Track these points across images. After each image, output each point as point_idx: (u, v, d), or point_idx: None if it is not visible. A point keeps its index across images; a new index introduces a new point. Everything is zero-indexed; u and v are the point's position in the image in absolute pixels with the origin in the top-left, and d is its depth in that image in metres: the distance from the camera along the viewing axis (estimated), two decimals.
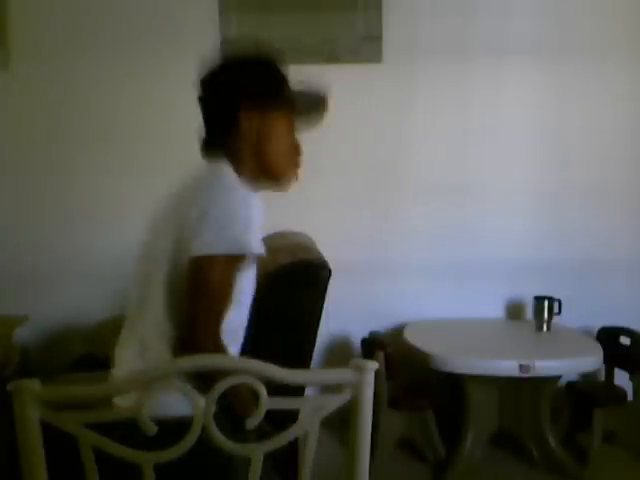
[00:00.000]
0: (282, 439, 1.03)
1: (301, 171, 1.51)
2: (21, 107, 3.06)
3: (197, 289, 1.28)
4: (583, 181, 3.06)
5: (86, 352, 2.77)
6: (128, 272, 3.26)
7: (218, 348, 1.26)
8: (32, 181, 3.07)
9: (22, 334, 2.87)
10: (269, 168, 1.46)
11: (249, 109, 1.44)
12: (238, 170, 1.44)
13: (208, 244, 1.27)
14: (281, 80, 1.49)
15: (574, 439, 2.77)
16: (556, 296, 2.86)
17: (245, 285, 1.40)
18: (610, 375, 2.87)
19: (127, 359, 1.41)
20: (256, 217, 1.36)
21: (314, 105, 1.52)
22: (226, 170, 1.45)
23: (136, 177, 3.04)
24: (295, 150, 1.49)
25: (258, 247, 1.35)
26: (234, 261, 1.31)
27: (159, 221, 1.49)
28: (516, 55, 3.01)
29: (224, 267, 1.29)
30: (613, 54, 3.01)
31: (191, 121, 3.16)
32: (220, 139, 1.54)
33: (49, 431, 0.97)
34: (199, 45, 3.01)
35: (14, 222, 3.08)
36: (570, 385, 2.88)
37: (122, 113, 3.03)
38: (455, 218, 3.06)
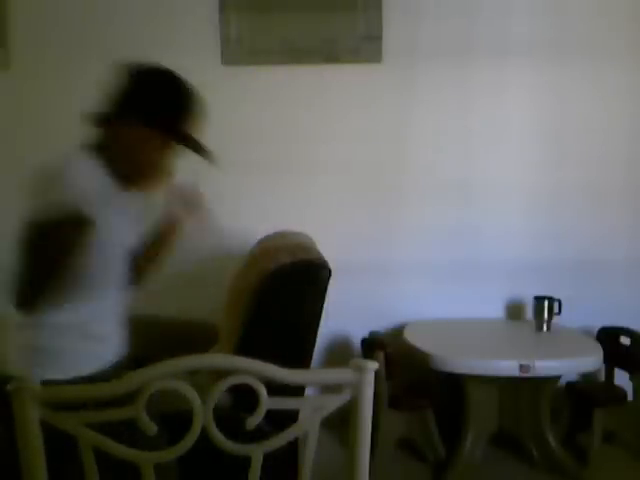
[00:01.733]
0: (282, 439, 1.03)
1: (152, 186, 1.63)
2: (21, 107, 3.06)
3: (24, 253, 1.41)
4: (583, 181, 3.06)
5: None
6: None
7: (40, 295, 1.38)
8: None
9: None
10: (130, 165, 1.57)
11: (141, 122, 1.56)
12: (100, 155, 1.56)
13: (33, 210, 1.40)
14: (184, 115, 1.62)
15: (574, 439, 2.77)
16: (556, 296, 2.86)
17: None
18: (610, 375, 2.87)
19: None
20: (83, 181, 1.45)
21: (195, 149, 1.63)
22: (77, 156, 1.60)
23: None
24: (157, 169, 1.61)
25: (83, 209, 1.42)
26: (61, 225, 1.41)
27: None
28: (516, 56, 3.01)
29: (59, 228, 1.41)
30: (613, 56, 3.01)
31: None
32: (105, 123, 1.65)
33: (49, 431, 0.97)
34: (199, 45, 3.02)
35: (14, 222, 3.07)
36: (570, 385, 2.88)
37: None
38: (455, 218, 3.07)
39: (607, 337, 2.83)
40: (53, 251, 1.37)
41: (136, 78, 1.68)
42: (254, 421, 0.99)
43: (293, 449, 1.11)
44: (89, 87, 3.02)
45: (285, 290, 1.85)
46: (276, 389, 1.01)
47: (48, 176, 1.47)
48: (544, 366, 2.48)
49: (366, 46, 2.99)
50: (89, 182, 1.45)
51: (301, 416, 1.05)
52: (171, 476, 1.17)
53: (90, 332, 1.59)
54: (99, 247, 1.50)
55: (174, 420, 0.98)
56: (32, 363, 1.51)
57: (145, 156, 1.57)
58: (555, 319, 2.86)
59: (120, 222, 1.57)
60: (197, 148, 1.63)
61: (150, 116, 1.56)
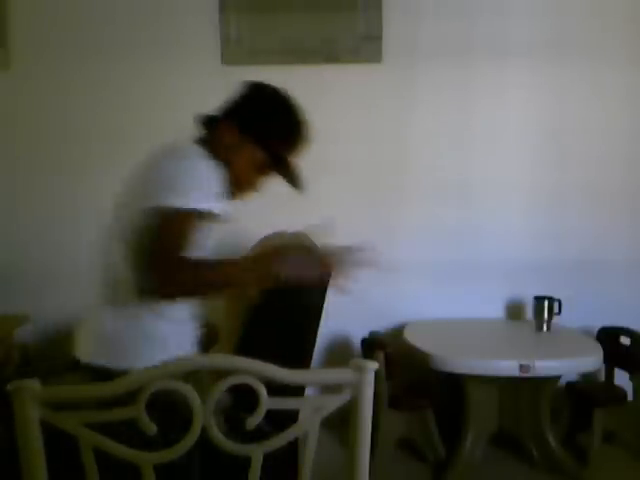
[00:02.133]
0: (282, 439, 1.03)
1: (243, 199, 1.64)
2: (21, 107, 3.06)
3: (156, 236, 1.35)
4: (583, 181, 3.06)
5: None
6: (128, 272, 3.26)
7: (186, 264, 1.34)
8: (32, 181, 3.07)
9: (22, 334, 2.87)
10: (229, 174, 1.55)
11: (248, 134, 1.56)
12: (209, 152, 1.52)
13: (168, 200, 1.35)
14: (292, 143, 1.60)
15: (574, 439, 2.77)
16: (556, 296, 2.86)
17: (199, 240, 1.45)
18: (610, 375, 2.87)
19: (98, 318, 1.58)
20: (213, 181, 1.44)
21: (288, 177, 1.62)
22: (194, 147, 1.53)
23: None
24: (251, 185, 1.62)
25: (216, 207, 1.44)
26: (190, 217, 1.38)
27: (128, 187, 1.57)
28: (516, 56, 3.01)
29: (182, 220, 1.36)
30: (612, 57, 3.02)
31: (191, 121, 3.16)
32: (215, 125, 1.64)
33: (49, 431, 0.97)
34: (199, 45, 3.03)
35: (14, 222, 3.08)
36: (570, 385, 2.88)
37: (122, 112, 3.03)
38: (455, 218, 3.07)
39: (607, 337, 2.83)
40: (182, 240, 1.36)
41: (257, 93, 1.71)
42: (254, 421, 0.99)
43: (293, 449, 1.11)
44: (89, 87, 3.04)
45: (285, 290, 1.85)
46: (276, 389, 1.01)
47: (176, 165, 1.42)
48: (544, 366, 2.48)
49: (366, 46, 2.99)
50: (214, 178, 1.44)
51: (301, 416, 1.05)
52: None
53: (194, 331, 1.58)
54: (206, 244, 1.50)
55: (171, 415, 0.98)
56: (148, 353, 1.44)
57: (243, 167, 1.58)
58: (555, 319, 2.86)
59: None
60: (292, 178, 1.63)
61: (261, 134, 1.57)
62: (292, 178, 1.63)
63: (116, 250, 1.56)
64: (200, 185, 1.40)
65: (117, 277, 1.56)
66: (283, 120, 1.62)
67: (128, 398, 0.95)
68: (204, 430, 0.97)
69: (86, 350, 1.49)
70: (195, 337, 1.58)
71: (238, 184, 1.58)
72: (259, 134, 1.57)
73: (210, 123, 1.66)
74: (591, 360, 2.57)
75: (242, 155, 1.57)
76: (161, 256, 1.33)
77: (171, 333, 1.48)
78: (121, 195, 1.56)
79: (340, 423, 1.14)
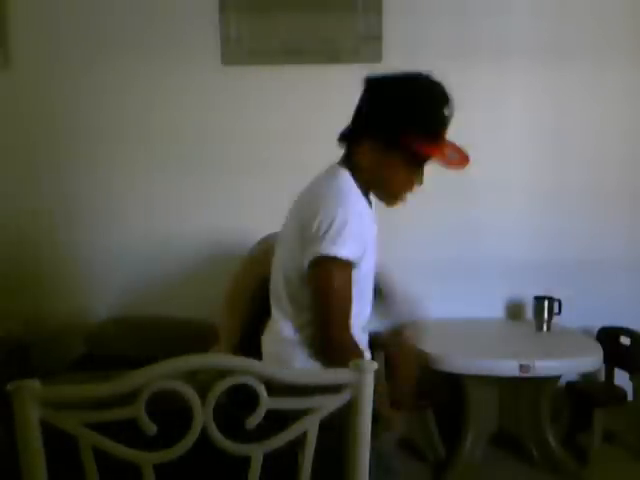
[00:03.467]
0: (282, 439, 1.03)
1: (407, 200, 1.57)
2: (21, 107, 3.06)
3: (323, 292, 1.39)
4: (583, 181, 3.06)
5: (86, 352, 2.78)
6: (129, 272, 3.29)
7: (353, 345, 1.42)
8: (32, 181, 3.07)
9: (22, 334, 2.87)
10: (379, 188, 1.52)
11: (406, 136, 1.44)
12: (354, 175, 1.50)
13: (327, 248, 1.36)
14: (439, 130, 1.48)
15: (574, 439, 2.77)
16: (556, 296, 2.86)
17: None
18: (610, 375, 2.87)
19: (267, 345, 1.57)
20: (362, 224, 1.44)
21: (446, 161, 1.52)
22: (342, 174, 1.50)
23: (137, 177, 3.05)
24: (407, 187, 1.53)
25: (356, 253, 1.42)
26: (349, 264, 1.40)
27: (287, 220, 1.56)
28: (516, 56, 3.01)
29: (343, 269, 1.39)
30: (612, 56, 3.01)
31: (192, 120, 3.16)
32: (355, 139, 1.55)
33: (49, 431, 0.97)
34: (199, 45, 3.02)
35: (14, 222, 3.08)
36: (570, 385, 2.88)
37: (123, 112, 3.03)
38: (455, 218, 3.06)
39: (607, 337, 2.83)
40: (344, 292, 1.40)
41: (380, 92, 1.52)
42: (254, 421, 0.99)
43: (293, 449, 1.11)
44: (89, 87, 3.04)
45: None
46: (276, 389, 1.01)
47: (329, 212, 1.39)
48: (544, 366, 2.48)
49: (366, 46, 2.98)
50: (361, 210, 1.45)
51: (301, 416, 1.05)
52: None
53: None
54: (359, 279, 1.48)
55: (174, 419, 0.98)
56: None
57: (396, 179, 1.50)
58: (555, 319, 2.86)
59: (370, 239, 1.52)
60: (451, 160, 1.51)
61: (405, 140, 1.43)
62: (451, 160, 1.51)
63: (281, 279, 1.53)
64: (355, 234, 1.39)
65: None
66: (416, 111, 1.45)
67: (128, 398, 0.95)
68: (204, 430, 0.97)
69: None
70: None
71: (394, 194, 1.53)
72: (403, 141, 1.44)
73: (350, 139, 1.57)
74: (591, 360, 2.57)
75: (388, 170, 1.48)
76: (333, 326, 1.39)
77: None
78: (284, 226, 1.56)
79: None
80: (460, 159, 1.52)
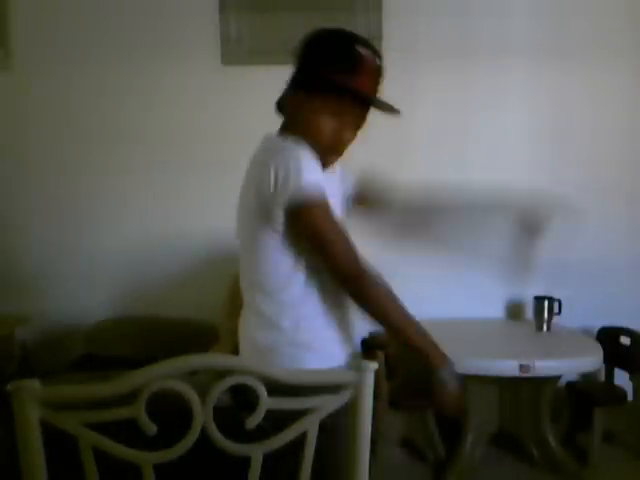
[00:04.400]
0: (282, 439, 1.03)
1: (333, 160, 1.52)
2: (22, 107, 3.06)
3: (316, 241, 1.36)
4: (583, 181, 3.06)
5: (86, 352, 2.77)
6: (129, 272, 3.28)
7: (367, 274, 1.38)
8: (32, 181, 3.07)
9: (22, 334, 2.87)
10: (312, 140, 1.43)
11: (323, 71, 1.41)
12: (293, 134, 1.46)
13: (296, 196, 1.32)
14: (361, 68, 1.43)
15: (574, 439, 2.77)
16: (556, 296, 2.86)
17: None
18: (610, 375, 2.87)
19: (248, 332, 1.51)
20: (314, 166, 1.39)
21: (376, 106, 1.50)
22: (279, 137, 1.53)
23: (137, 177, 3.05)
24: (337, 134, 1.46)
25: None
26: (324, 205, 1.36)
27: (242, 190, 1.58)
28: (516, 56, 3.00)
29: (322, 212, 1.35)
30: (611, 56, 3.01)
31: (192, 120, 3.16)
32: (285, 100, 1.57)
33: (49, 431, 0.97)
34: (199, 45, 3.02)
35: (14, 222, 3.08)
36: (570, 385, 2.88)
37: (123, 113, 3.03)
38: (455, 218, 3.06)
39: (607, 337, 2.83)
40: (334, 225, 1.38)
41: (302, 45, 1.48)
42: (254, 421, 0.99)
43: (293, 449, 1.11)
44: (89, 87, 3.04)
45: None
46: (276, 389, 1.01)
47: (282, 163, 1.35)
48: (544, 366, 2.48)
49: None
50: (317, 163, 1.38)
51: (301, 416, 1.05)
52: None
53: None
54: None
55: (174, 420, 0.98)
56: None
57: (322, 124, 1.43)
58: (555, 319, 2.86)
59: (335, 205, 1.46)
60: (379, 105, 1.47)
61: (318, 79, 1.41)
62: (379, 105, 1.47)
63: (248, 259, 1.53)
64: (315, 173, 1.35)
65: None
66: (330, 46, 1.44)
67: (128, 398, 0.95)
68: (204, 430, 0.97)
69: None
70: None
71: (329, 146, 1.45)
72: (316, 80, 1.41)
73: (282, 104, 1.58)
74: (591, 360, 2.57)
75: (315, 112, 1.43)
76: (343, 265, 1.36)
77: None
78: (240, 209, 1.58)
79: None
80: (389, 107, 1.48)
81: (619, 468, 2.66)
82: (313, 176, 1.34)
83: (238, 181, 3.22)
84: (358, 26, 2.98)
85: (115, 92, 3.02)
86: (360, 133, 1.53)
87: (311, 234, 1.36)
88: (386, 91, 1.57)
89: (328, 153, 1.45)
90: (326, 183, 1.39)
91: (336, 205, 1.48)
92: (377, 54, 1.45)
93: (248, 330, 1.51)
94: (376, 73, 1.46)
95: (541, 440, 2.61)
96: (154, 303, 2.99)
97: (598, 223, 3.08)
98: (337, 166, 1.58)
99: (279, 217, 1.36)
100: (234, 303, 2.17)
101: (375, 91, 1.47)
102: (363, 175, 1.74)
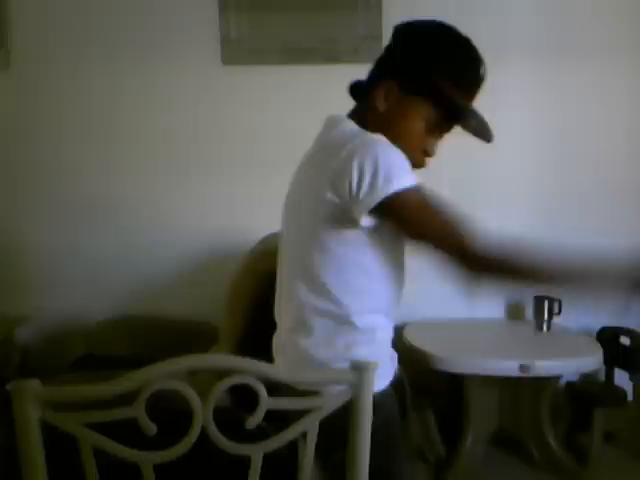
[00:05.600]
0: (282, 439, 1.03)
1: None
2: (21, 107, 3.06)
3: (415, 224, 1.23)
4: (584, 181, 3.06)
5: (86, 352, 2.77)
6: (128, 272, 3.28)
7: (489, 246, 1.26)
8: (32, 181, 3.07)
9: (22, 334, 2.87)
10: (397, 139, 1.29)
11: (438, 79, 1.29)
12: (374, 128, 1.31)
13: (386, 186, 1.17)
14: (472, 83, 1.34)
15: (574, 439, 2.77)
16: (556, 296, 2.86)
17: None
18: (610, 375, 2.87)
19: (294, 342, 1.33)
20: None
21: (473, 127, 1.36)
22: (351, 123, 1.34)
23: (137, 177, 3.05)
24: (421, 144, 1.35)
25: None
26: (419, 187, 1.23)
27: (301, 176, 1.38)
28: (516, 55, 3.00)
29: (415, 193, 1.21)
30: (614, 54, 3.01)
31: (192, 120, 3.16)
32: (374, 85, 1.38)
33: (49, 431, 0.97)
34: (199, 45, 3.02)
35: (14, 222, 3.08)
36: (570, 385, 2.88)
37: (122, 113, 3.03)
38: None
39: (607, 337, 2.83)
40: (433, 209, 1.26)
41: (409, 33, 1.39)
42: (254, 421, 0.99)
43: (293, 449, 1.11)
44: (88, 87, 3.04)
45: None
46: (276, 389, 1.01)
47: (370, 158, 1.18)
48: (544, 366, 2.48)
49: (366, 46, 2.98)
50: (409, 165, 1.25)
51: (301, 416, 1.05)
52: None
53: None
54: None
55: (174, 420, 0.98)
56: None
57: (413, 132, 1.30)
58: (555, 319, 2.86)
59: None
60: (478, 127, 1.32)
61: (427, 82, 1.28)
62: (478, 127, 1.34)
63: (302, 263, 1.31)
64: (403, 162, 1.21)
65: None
66: (452, 56, 1.34)
67: (128, 398, 0.95)
68: (204, 430, 0.97)
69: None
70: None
71: (407, 149, 1.27)
72: (425, 82, 1.28)
73: (361, 90, 1.41)
74: (591, 360, 2.57)
75: (408, 117, 1.29)
76: (447, 243, 1.24)
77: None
78: (291, 206, 1.37)
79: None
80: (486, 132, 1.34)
81: (619, 468, 2.66)
82: (406, 169, 1.20)
83: (238, 180, 3.22)
84: (358, 26, 2.98)
85: (115, 92, 3.02)
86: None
87: (411, 227, 1.24)
88: None
89: (411, 158, 1.29)
90: None
91: None
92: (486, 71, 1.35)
93: (296, 343, 1.33)
94: (480, 83, 1.37)
95: (541, 440, 2.61)
96: (154, 303, 2.99)
97: (599, 223, 3.08)
98: None
99: (359, 219, 1.20)
100: (235, 303, 2.17)
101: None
102: None
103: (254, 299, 1.87)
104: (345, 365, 1.12)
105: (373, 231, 1.25)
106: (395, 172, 1.18)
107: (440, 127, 1.34)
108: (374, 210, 1.19)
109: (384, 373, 1.32)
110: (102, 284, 3.07)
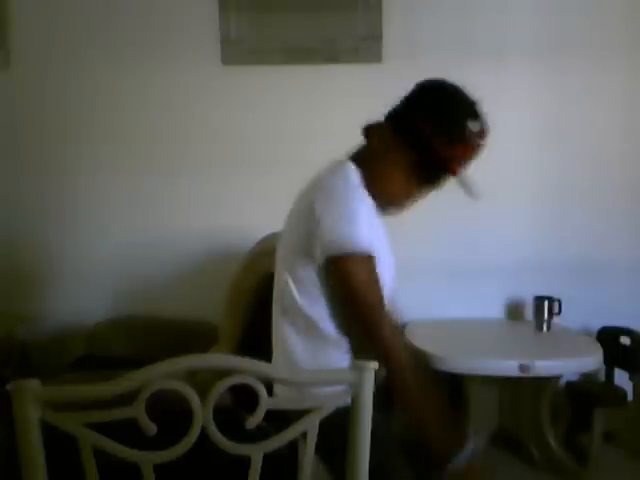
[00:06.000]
0: (282, 439, 1.03)
1: (404, 209, 1.51)
2: (21, 108, 3.06)
3: (350, 296, 1.33)
4: (583, 181, 3.06)
5: (86, 352, 2.78)
6: (128, 272, 3.28)
7: (397, 337, 1.35)
8: (32, 181, 3.07)
9: (22, 334, 2.87)
10: (377, 182, 1.42)
11: (422, 124, 1.38)
12: (360, 172, 1.43)
13: (340, 245, 1.30)
14: (461, 144, 1.41)
15: (574, 439, 2.77)
16: (556, 296, 2.86)
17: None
18: (610, 375, 2.87)
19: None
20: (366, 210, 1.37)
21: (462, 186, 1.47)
22: (349, 168, 1.43)
23: (137, 177, 3.05)
24: (403, 191, 1.45)
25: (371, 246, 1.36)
26: (369, 256, 1.34)
27: (290, 217, 1.51)
28: (516, 55, 3.01)
29: (364, 266, 1.32)
30: (612, 54, 3.01)
31: (192, 120, 3.16)
32: (369, 134, 1.50)
33: (49, 431, 0.97)
34: (199, 45, 3.02)
35: (14, 222, 3.08)
36: (570, 385, 2.88)
37: (122, 113, 3.03)
38: (455, 218, 3.06)
39: (607, 337, 2.83)
40: (374, 284, 1.34)
41: (419, 88, 1.47)
42: (254, 421, 0.99)
43: (293, 449, 1.11)
44: (88, 87, 3.04)
45: None
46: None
47: (334, 202, 1.34)
48: (544, 366, 2.48)
49: (366, 46, 2.98)
50: (368, 210, 1.37)
51: (301, 416, 1.05)
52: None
53: None
54: None
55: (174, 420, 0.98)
56: None
57: (391, 175, 1.41)
58: (555, 319, 2.86)
59: (382, 249, 1.45)
60: (462, 184, 1.44)
61: (414, 131, 1.38)
62: (461, 183, 1.45)
63: (285, 282, 1.46)
64: (363, 226, 1.33)
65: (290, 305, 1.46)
66: (445, 114, 1.41)
67: (128, 398, 0.95)
68: (204, 430, 0.97)
69: None
70: None
71: (395, 201, 1.43)
72: (410, 127, 1.37)
73: (369, 132, 1.51)
74: (591, 360, 2.57)
75: (394, 162, 1.40)
76: (373, 326, 1.33)
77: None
78: (285, 232, 1.51)
79: None
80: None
81: (619, 468, 2.66)
82: (362, 230, 1.31)
83: (238, 180, 3.22)
84: (358, 26, 2.98)
85: (115, 92, 3.02)
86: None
87: (346, 286, 1.34)
88: (387, 91, 1.57)
89: (392, 205, 1.43)
90: (376, 227, 1.38)
91: (383, 247, 1.46)
92: (484, 132, 1.42)
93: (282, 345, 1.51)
94: (473, 151, 1.43)
95: (541, 440, 2.61)
96: (154, 303, 2.99)
97: (598, 222, 3.09)
98: None
99: (318, 257, 1.34)
100: (234, 303, 2.17)
101: (465, 165, 1.45)
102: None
103: (254, 299, 1.88)
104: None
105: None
106: (352, 227, 1.30)
107: (428, 179, 1.43)
108: (326, 260, 1.33)
109: None
110: (102, 284, 3.07)
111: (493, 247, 3.07)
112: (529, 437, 2.64)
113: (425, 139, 1.35)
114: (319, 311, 1.41)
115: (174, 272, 3.06)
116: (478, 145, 1.41)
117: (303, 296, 1.41)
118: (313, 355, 1.43)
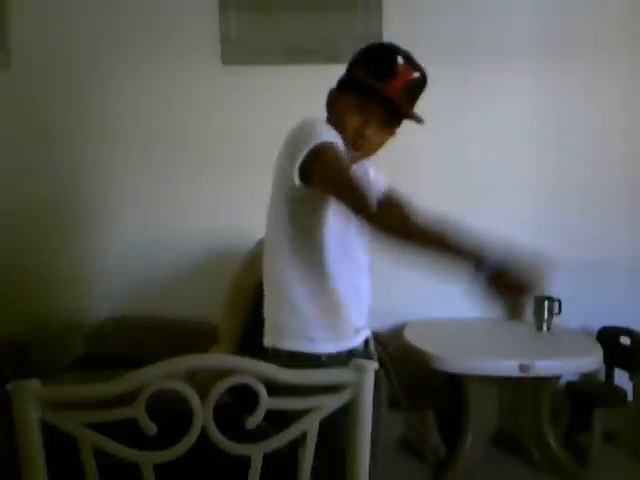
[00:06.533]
0: (282, 439, 1.03)
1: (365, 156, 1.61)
2: (22, 108, 3.06)
3: (326, 175, 1.42)
4: (583, 181, 3.06)
5: (86, 352, 2.78)
6: (128, 272, 3.28)
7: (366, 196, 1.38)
8: (32, 181, 3.06)
9: (22, 334, 2.87)
10: (337, 129, 1.51)
11: (357, 70, 1.52)
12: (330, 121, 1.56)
13: (306, 147, 1.40)
14: (387, 74, 1.51)
15: (574, 439, 2.77)
16: (556, 296, 2.86)
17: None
18: (610, 375, 2.87)
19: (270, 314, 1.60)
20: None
21: (397, 114, 1.57)
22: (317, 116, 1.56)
23: (137, 177, 3.05)
24: (359, 134, 1.54)
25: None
26: (336, 147, 1.43)
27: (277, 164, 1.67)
28: (515, 55, 3.01)
29: (331, 148, 1.41)
30: (612, 55, 3.01)
31: (192, 120, 3.16)
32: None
33: (49, 431, 0.97)
34: (199, 44, 3.02)
35: (14, 222, 3.08)
36: (570, 385, 2.88)
37: (122, 113, 3.03)
38: (454, 218, 3.06)
39: (607, 337, 2.83)
40: (342, 159, 1.42)
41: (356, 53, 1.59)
42: (254, 421, 0.99)
43: (293, 449, 1.11)
44: (88, 87, 3.04)
45: None
46: (276, 389, 1.01)
47: (298, 132, 1.49)
48: (544, 366, 2.48)
49: None
50: (337, 139, 1.47)
51: (301, 416, 1.05)
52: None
53: None
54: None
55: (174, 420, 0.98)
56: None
57: (343, 115, 1.53)
58: (555, 319, 2.86)
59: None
60: (399, 112, 1.55)
61: (349, 77, 1.54)
62: (403, 112, 1.56)
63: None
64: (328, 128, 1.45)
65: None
66: (372, 55, 1.56)
67: (128, 398, 0.95)
68: (204, 430, 0.97)
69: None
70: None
71: (352, 138, 1.52)
72: (349, 78, 1.54)
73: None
74: (591, 360, 2.57)
75: (343, 106, 1.53)
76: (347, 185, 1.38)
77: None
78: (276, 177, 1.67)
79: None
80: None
81: (619, 468, 2.66)
82: (328, 135, 1.42)
83: (238, 180, 3.22)
84: (358, 26, 2.98)
85: (115, 92, 3.02)
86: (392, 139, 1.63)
87: (325, 173, 1.41)
88: None
89: (351, 144, 1.52)
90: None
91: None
92: (418, 69, 1.56)
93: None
94: (410, 85, 1.54)
95: (541, 440, 2.61)
96: (154, 303, 2.99)
97: (598, 222, 3.09)
98: (370, 167, 1.68)
99: (298, 184, 1.45)
100: (234, 303, 2.17)
101: (407, 101, 1.55)
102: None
103: (254, 299, 1.87)
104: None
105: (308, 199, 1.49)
106: (315, 133, 1.42)
107: (375, 117, 1.52)
108: (303, 170, 1.43)
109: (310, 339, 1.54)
110: (102, 284, 3.07)
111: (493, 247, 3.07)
112: (529, 437, 2.64)
113: (359, 80, 1.49)
114: (314, 251, 1.54)
115: (174, 272, 3.05)
116: (415, 79, 1.54)
117: (297, 236, 1.57)
118: (317, 296, 1.59)
